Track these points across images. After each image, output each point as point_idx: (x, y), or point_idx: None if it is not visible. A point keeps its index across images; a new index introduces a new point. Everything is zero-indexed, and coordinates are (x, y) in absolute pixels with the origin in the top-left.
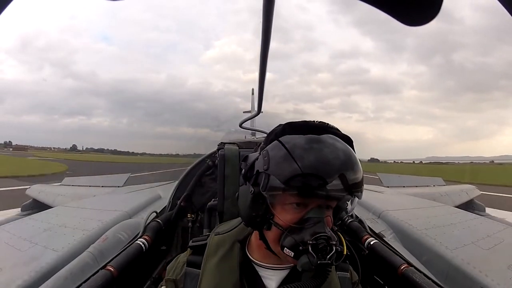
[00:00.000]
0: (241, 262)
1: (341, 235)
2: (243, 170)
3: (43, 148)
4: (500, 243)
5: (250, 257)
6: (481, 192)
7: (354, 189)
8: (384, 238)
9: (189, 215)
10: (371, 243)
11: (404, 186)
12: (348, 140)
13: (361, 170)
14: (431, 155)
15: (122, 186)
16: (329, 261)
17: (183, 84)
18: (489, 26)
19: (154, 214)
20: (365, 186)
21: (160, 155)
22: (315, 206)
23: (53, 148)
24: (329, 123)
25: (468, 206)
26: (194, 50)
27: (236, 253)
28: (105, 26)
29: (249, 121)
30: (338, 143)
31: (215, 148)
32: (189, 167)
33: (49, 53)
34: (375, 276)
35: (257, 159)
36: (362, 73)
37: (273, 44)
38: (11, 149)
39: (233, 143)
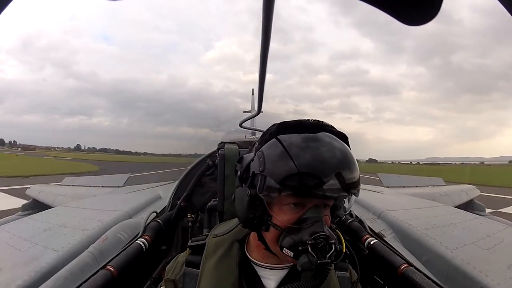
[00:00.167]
0: (240, 262)
1: (339, 233)
2: (239, 172)
3: (47, 148)
4: (500, 243)
5: (249, 256)
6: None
7: (351, 187)
8: (384, 238)
9: (189, 215)
10: (371, 243)
11: (404, 186)
12: (343, 138)
13: (358, 169)
14: (431, 156)
15: (122, 186)
16: (329, 260)
17: (183, 84)
18: (487, 27)
19: (154, 214)
20: (365, 186)
21: (163, 155)
22: (312, 206)
23: (57, 148)
24: (324, 121)
25: (468, 206)
26: (195, 50)
27: (235, 253)
28: (106, 26)
29: (249, 121)
30: (334, 141)
31: (215, 148)
32: (189, 167)
33: (50, 53)
34: (375, 276)
35: (252, 160)
36: (362, 74)
37: (273, 45)
38: (19, 148)
39: (233, 143)
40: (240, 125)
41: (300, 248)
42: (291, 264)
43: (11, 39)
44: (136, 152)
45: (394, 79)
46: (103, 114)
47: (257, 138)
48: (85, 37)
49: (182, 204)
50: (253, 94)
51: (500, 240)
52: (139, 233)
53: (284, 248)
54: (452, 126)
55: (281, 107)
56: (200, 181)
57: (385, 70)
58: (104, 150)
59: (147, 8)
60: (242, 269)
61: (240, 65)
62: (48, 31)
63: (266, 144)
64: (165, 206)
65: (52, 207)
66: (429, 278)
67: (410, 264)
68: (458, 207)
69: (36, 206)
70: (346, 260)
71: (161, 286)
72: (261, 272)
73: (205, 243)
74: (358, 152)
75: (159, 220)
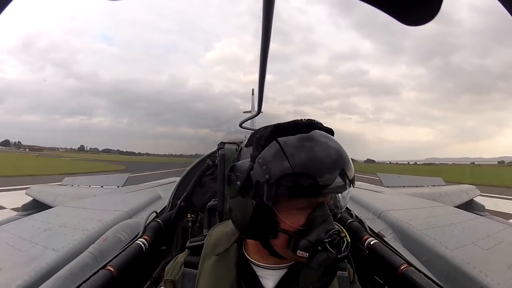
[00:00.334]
0: (238, 262)
1: (341, 226)
2: (238, 183)
3: (51, 149)
4: (500, 243)
5: (248, 257)
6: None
7: (353, 183)
8: (384, 238)
9: (189, 215)
10: (371, 243)
11: (404, 186)
12: (331, 133)
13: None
14: (431, 156)
15: (122, 186)
16: (346, 253)
17: (183, 84)
18: (487, 28)
19: (154, 214)
20: (365, 186)
21: (164, 155)
22: (318, 204)
23: (60, 148)
24: (321, 121)
25: (468, 206)
26: (195, 51)
27: (233, 253)
28: (106, 27)
29: (249, 121)
30: (330, 140)
31: (215, 148)
32: (189, 167)
33: (51, 54)
34: (375, 276)
35: (252, 168)
36: (361, 75)
37: (273, 46)
38: (26, 149)
39: (233, 143)
40: (240, 125)
41: (319, 247)
42: (290, 263)
43: (11, 39)
44: (139, 152)
45: (394, 80)
46: (103, 114)
47: None
48: (86, 37)
49: (182, 204)
50: (253, 94)
51: (500, 240)
52: (139, 233)
53: (299, 251)
54: (452, 127)
55: (281, 108)
56: (200, 181)
57: (385, 71)
58: (107, 151)
59: (147, 8)
60: (240, 269)
61: (240, 65)
62: (49, 31)
63: (266, 150)
64: (165, 206)
65: (52, 207)
66: (429, 278)
67: (410, 264)
68: (458, 207)
69: (36, 206)
70: (345, 260)
71: (160, 286)
72: (260, 272)
73: (203, 243)
74: (358, 152)
75: (159, 220)
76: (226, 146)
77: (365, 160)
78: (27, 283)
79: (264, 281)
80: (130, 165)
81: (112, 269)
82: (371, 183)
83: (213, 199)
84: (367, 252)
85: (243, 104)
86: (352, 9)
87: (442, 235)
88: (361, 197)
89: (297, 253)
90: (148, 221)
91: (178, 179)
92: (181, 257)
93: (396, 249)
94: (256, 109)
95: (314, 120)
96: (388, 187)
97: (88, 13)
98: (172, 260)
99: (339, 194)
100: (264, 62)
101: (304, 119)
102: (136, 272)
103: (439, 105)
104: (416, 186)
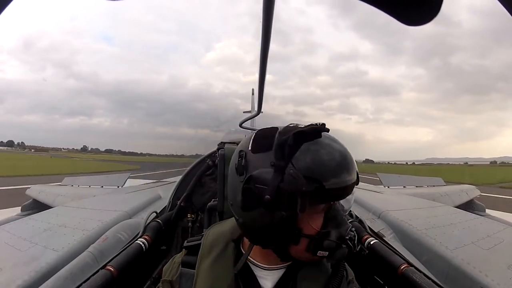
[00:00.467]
0: (236, 261)
1: None
2: (267, 196)
3: (54, 149)
4: (500, 243)
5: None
6: None
7: (359, 180)
8: (384, 238)
9: (189, 215)
10: (371, 243)
11: (404, 186)
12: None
13: None
14: (431, 156)
15: (122, 186)
16: (359, 246)
17: (184, 84)
18: (486, 28)
19: (154, 214)
20: (365, 186)
21: (166, 155)
22: (332, 205)
23: (63, 149)
24: (325, 122)
25: (468, 206)
26: (195, 51)
27: (231, 253)
28: (107, 27)
29: (249, 121)
30: (340, 143)
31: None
32: (189, 167)
33: (51, 54)
34: (375, 276)
35: (281, 180)
36: (361, 75)
37: (272, 47)
38: (32, 150)
39: (233, 143)
40: (240, 125)
41: (343, 245)
42: (288, 263)
43: (12, 40)
44: (141, 153)
45: (393, 80)
46: (103, 114)
47: None
48: (86, 38)
49: (182, 204)
50: (253, 94)
51: (500, 240)
52: (139, 233)
53: (319, 251)
54: (451, 127)
55: (280, 108)
56: (200, 181)
57: (384, 71)
58: (109, 151)
59: (148, 9)
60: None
61: (240, 66)
62: (49, 31)
63: (297, 160)
64: (165, 206)
65: (52, 207)
66: (429, 278)
67: (410, 264)
68: (458, 207)
69: (36, 206)
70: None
71: (158, 287)
72: (258, 272)
73: (201, 243)
74: (358, 153)
75: (159, 220)
76: (226, 146)
77: (363, 160)
78: (27, 283)
79: (262, 281)
80: (144, 165)
81: (112, 269)
82: (371, 183)
83: (213, 199)
84: (367, 252)
85: (243, 105)
86: (351, 10)
87: (442, 235)
88: (361, 197)
89: (318, 254)
90: (148, 221)
91: (178, 179)
92: (179, 257)
93: (396, 249)
94: (256, 109)
95: (323, 123)
96: (388, 187)
97: (89, 13)
98: (170, 260)
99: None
100: (264, 62)
101: (319, 124)
102: (136, 272)
103: (439, 106)
104: (416, 186)
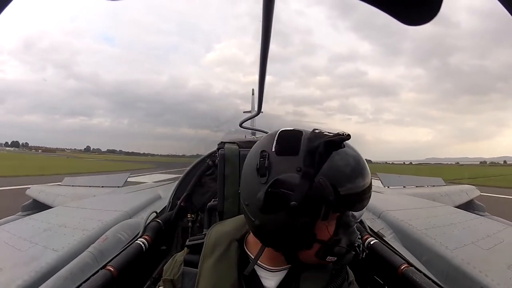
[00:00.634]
0: (239, 261)
1: None
2: (294, 202)
3: (58, 150)
4: (500, 243)
5: (251, 256)
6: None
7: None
8: (384, 238)
9: (189, 215)
10: (371, 243)
11: (404, 186)
12: None
13: None
14: (430, 156)
15: (122, 186)
16: (366, 251)
17: (184, 85)
18: (485, 29)
19: (154, 214)
20: None
21: (168, 155)
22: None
23: (66, 149)
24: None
25: (468, 206)
26: (195, 52)
27: (234, 252)
28: (107, 28)
29: (249, 121)
30: (357, 150)
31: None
32: (189, 167)
33: (52, 54)
34: (375, 276)
35: (310, 187)
36: (360, 76)
37: (272, 48)
38: (39, 150)
39: (233, 143)
40: (240, 125)
41: (352, 251)
42: (289, 265)
43: (12, 40)
44: (143, 153)
45: (393, 81)
46: (104, 114)
47: (257, 138)
48: (87, 38)
49: (182, 204)
50: (253, 94)
51: (500, 240)
52: (139, 233)
53: (328, 257)
54: (451, 127)
55: (280, 108)
56: (200, 181)
57: (384, 72)
58: (112, 151)
59: (148, 9)
60: (241, 269)
61: (240, 67)
62: (50, 32)
63: (328, 169)
64: (165, 206)
65: (52, 207)
66: (429, 278)
67: (410, 264)
68: (458, 207)
69: (36, 206)
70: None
71: (159, 286)
72: (261, 272)
73: (203, 242)
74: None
75: (159, 220)
76: (226, 146)
77: None
78: (27, 283)
79: (265, 281)
80: (157, 164)
81: (112, 269)
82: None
83: (213, 199)
84: (367, 252)
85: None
86: (350, 11)
87: (442, 235)
88: None
89: (326, 259)
90: (148, 221)
91: (178, 179)
92: (180, 255)
93: (396, 249)
94: (256, 109)
95: (347, 133)
96: (388, 187)
97: (89, 13)
98: (171, 259)
99: None
100: (264, 63)
101: (344, 133)
102: (136, 272)
103: (438, 106)
104: (416, 186)
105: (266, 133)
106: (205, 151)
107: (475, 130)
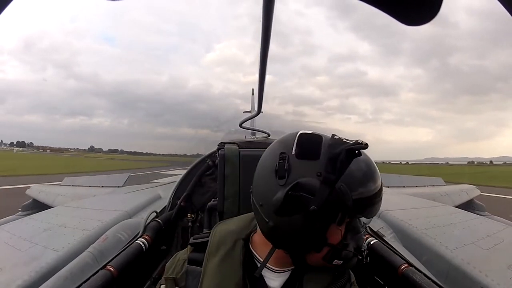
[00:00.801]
0: (244, 261)
1: None
2: (313, 207)
3: (61, 149)
4: (500, 243)
5: (258, 256)
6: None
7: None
8: (384, 238)
9: (189, 215)
10: (371, 243)
11: (404, 186)
12: None
13: None
14: (430, 156)
15: (122, 186)
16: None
17: (184, 85)
18: (484, 30)
19: (154, 214)
20: None
21: (170, 155)
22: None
23: (70, 148)
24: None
25: (468, 206)
26: (195, 52)
27: (239, 251)
28: (108, 28)
29: (249, 121)
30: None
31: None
32: (189, 167)
33: (52, 55)
34: (375, 276)
35: (329, 193)
36: (360, 76)
37: (272, 48)
38: (48, 150)
39: (233, 143)
40: (240, 125)
41: (359, 256)
42: (293, 267)
43: (13, 40)
44: (146, 152)
45: (393, 81)
46: (104, 114)
47: (257, 138)
48: (87, 38)
49: (182, 204)
50: (253, 94)
51: (500, 240)
52: (139, 233)
53: (335, 260)
54: (451, 127)
55: (280, 108)
56: (200, 181)
57: (383, 72)
58: (115, 151)
59: (148, 10)
60: (246, 268)
61: (240, 67)
62: (50, 32)
63: (349, 177)
64: (165, 206)
65: (52, 207)
66: (429, 278)
67: (410, 264)
68: (458, 207)
69: (36, 206)
70: None
71: (161, 284)
72: (265, 272)
73: (208, 240)
74: None
75: (159, 220)
76: (226, 146)
77: None
78: (27, 283)
79: (269, 282)
80: (171, 163)
81: (112, 269)
82: None
83: (213, 199)
84: (367, 252)
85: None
86: (350, 12)
87: (442, 235)
88: None
89: (333, 262)
90: (148, 221)
91: (178, 179)
92: (183, 254)
93: (396, 249)
94: (256, 109)
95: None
96: (388, 187)
97: (89, 14)
98: (172, 258)
99: None
100: (264, 63)
101: (361, 142)
102: (136, 272)
103: (438, 106)
104: (416, 186)
105: (267, 133)
106: (205, 151)
107: (475, 130)
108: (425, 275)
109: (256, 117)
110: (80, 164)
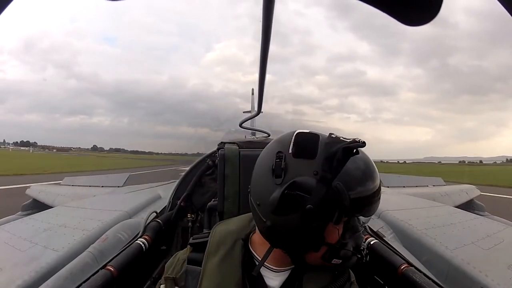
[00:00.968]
0: (243, 260)
1: None
2: (310, 206)
3: (63, 149)
4: (500, 243)
5: (257, 256)
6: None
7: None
8: (384, 238)
9: (189, 215)
10: (371, 243)
11: (404, 186)
12: None
13: None
14: (429, 156)
15: (122, 186)
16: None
17: (184, 85)
18: (483, 30)
19: (154, 214)
20: None
21: (171, 154)
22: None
23: (73, 148)
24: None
25: (468, 206)
26: (195, 52)
27: (238, 251)
28: (108, 28)
29: (249, 121)
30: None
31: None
32: (189, 167)
33: (52, 55)
34: (375, 276)
35: (326, 192)
36: (360, 76)
37: (272, 48)
38: (54, 150)
39: (233, 143)
40: (240, 125)
41: (358, 255)
42: (293, 266)
43: (13, 40)
44: (149, 151)
45: (392, 81)
46: (104, 114)
47: (257, 138)
48: (87, 39)
49: (182, 204)
50: (253, 94)
51: (500, 240)
52: (139, 233)
53: (334, 259)
54: (450, 127)
55: (280, 107)
56: (200, 181)
57: (383, 72)
58: (118, 150)
59: (148, 10)
60: (245, 268)
61: (240, 66)
62: (51, 32)
63: (345, 175)
64: (165, 206)
65: (52, 207)
66: (429, 278)
67: (410, 264)
68: (458, 207)
69: (36, 206)
70: None
71: (160, 284)
72: (265, 272)
73: (207, 240)
74: None
75: (159, 220)
76: (226, 146)
77: None
78: (27, 283)
79: (269, 281)
80: (181, 161)
81: (112, 269)
82: None
83: (213, 199)
84: (367, 252)
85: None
86: (349, 12)
87: (442, 235)
88: None
89: (332, 262)
90: (148, 221)
91: (178, 179)
92: (183, 254)
93: (396, 249)
94: (256, 109)
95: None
96: (388, 187)
97: (90, 14)
98: (172, 257)
99: None
100: (264, 63)
101: (359, 140)
102: (136, 272)
103: (438, 106)
104: (416, 186)
105: (267, 133)
106: (205, 150)
107: (475, 130)
108: (425, 275)
109: (256, 117)
110: (99, 162)
